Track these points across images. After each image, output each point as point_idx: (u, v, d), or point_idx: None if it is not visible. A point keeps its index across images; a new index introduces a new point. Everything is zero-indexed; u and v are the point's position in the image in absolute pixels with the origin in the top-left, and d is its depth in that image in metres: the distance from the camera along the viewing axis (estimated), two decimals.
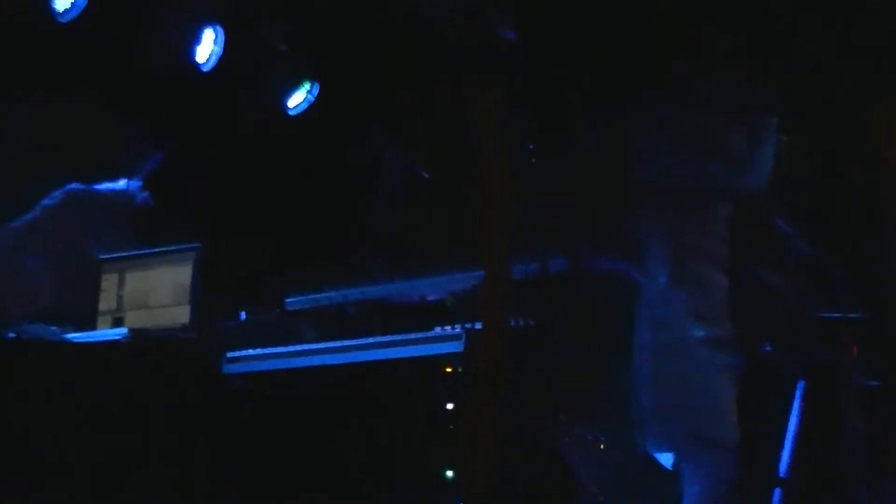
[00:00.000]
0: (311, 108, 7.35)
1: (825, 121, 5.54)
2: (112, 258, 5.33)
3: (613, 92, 6.76)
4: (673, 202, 4.80)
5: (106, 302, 5.28)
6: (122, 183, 5.76)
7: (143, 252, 5.31)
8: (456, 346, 4.52)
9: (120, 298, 5.26)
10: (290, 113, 7.32)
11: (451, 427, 4.55)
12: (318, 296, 5.18)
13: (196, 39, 6.74)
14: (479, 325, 4.52)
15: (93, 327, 5.24)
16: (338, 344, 4.81)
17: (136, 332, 4.93)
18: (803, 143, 4.92)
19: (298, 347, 4.90)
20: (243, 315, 5.37)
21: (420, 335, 4.66)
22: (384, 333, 4.80)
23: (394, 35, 7.08)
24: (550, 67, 6.70)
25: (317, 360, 4.82)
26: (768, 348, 5.72)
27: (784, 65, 5.19)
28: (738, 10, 5.91)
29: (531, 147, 5.04)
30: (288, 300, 5.26)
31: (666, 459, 6.08)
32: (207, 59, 6.80)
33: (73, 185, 5.58)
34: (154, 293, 5.20)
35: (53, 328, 5.01)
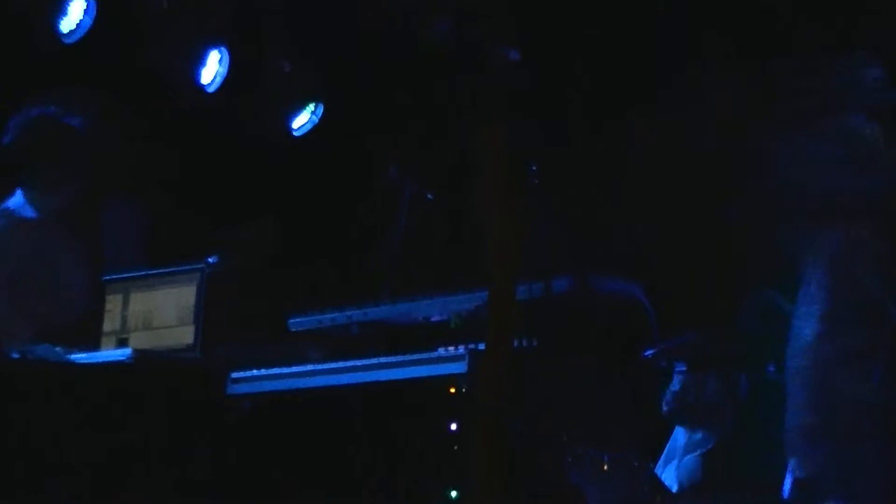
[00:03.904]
0: (316, 128, 7.38)
1: None
2: (116, 279, 5.33)
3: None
4: (827, 221, 4.70)
5: (110, 322, 5.28)
6: None
7: (147, 272, 5.31)
8: (460, 367, 4.52)
9: (124, 319, 5.26)
10: (295, 134, 7.34)
11: (455, 447, 4.55)
12: (322, 317, 5.17)
13: (201, 61, 6.77)
14: (482, 346, 4.52)
15: (97, 348, 5.25)
16: (341, 364, 4.81)
17: (140, 353, 4.93)
18: None
19: (302, 368, 4.90)
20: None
21: (424, 356, 4.66)
22: (388, 354, 4.80)
23: (398, 54, 7.11)
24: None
25: (321, 381, 4.82)
26: (772, 368, 5.72)
27: None
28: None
29: (534, 168, 5.04)
30: (292, 321, 5.25)
31: (669, 480, 6.07)
32: (212, 81, 6.83)
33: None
34: (158, 314, 5.20)
35: (58, 348, 5.01)
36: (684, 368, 6.38)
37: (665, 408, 6.44)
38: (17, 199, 5.57)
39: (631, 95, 6.87)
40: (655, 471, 5.34)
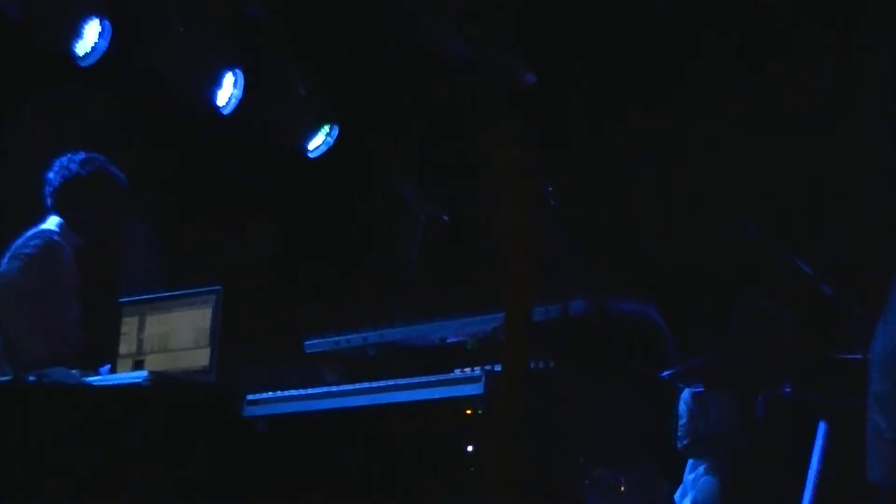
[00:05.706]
0: (331, 151, 7.40)
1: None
2: (132, 301, 5.35)
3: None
4: None
5: (126, 345, 5.29)
6: None
7: (163, 295, 5.33)
8: (476, 389, 4.51)
9: (140, 342, 5.27)
10: (310, 156, 7.36)
11: (472, 469, 4.54)
12: (338, 338, 5.17)
13: (216, 83, 6.79)
14: (499, 368, 4.52)
15: (113, 371, 5.26)
16: (358, 386, 4.81)
17: (156, 376, 4.93)
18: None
19: (318, 390, 4.90)
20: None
21: (440, 377, 4.65)
22: (404, 376, 4.80)
23: (413, 68, 7.13)
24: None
25: (337, 403, 4.82)
26: (788, 389, 5.70)
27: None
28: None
29: (550, 189, 5.04)
30: (308, 343, 5.26)
31: None
32: (227, 103, 6.85)
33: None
34: (174, 336, 5.21)
35: (74, 371, 5.02)
36: (689, 396, 6.40)
37: (680, 445, 6.45)
38: (52, 223, 5.54)
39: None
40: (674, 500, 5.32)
